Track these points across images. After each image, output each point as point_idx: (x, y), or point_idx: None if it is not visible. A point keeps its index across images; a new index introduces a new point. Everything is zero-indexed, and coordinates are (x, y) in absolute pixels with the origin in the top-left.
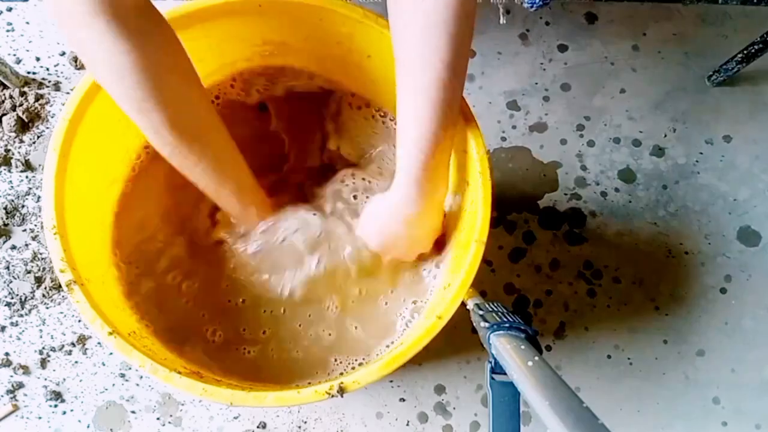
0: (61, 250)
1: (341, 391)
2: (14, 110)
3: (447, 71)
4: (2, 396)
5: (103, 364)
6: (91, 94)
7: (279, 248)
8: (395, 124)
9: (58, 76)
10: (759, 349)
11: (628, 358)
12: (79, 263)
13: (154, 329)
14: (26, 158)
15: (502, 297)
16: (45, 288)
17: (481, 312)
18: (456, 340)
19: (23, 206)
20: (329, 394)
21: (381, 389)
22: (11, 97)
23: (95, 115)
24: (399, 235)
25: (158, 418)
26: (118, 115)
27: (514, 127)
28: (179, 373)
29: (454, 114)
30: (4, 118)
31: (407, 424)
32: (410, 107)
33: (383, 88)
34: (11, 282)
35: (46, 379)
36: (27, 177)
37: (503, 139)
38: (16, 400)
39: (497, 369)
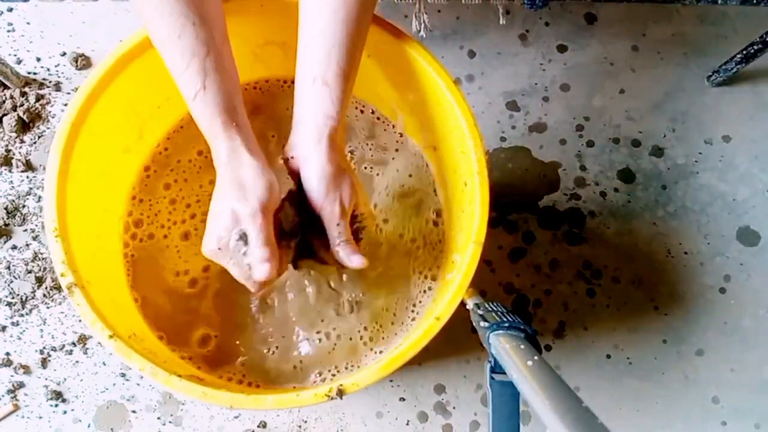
0: (62, 253)
1: (340, 393)
2: (15, 110)
3: None
4: (3, 396)
5: (104, 364)
6: (93, 97)
7: None
8: (394, 128)
9: (58, 77)
10: (758, 349)
11: (628, 358)
12: (80, 265)
13: (158, 327)
14: (27, 158)
15: (501, 297)
16: (46, 288)
17: (480, 312)
18: (456, 340)
19: (24, 206)
20: (328, 396)
21: (381, 389)
22: (12, 97)
23: (98, 117)
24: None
25: (159, 418)
26: (121, 117)
27: (513, 127)
28: (179, 376)
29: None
30: (5, 119)
31: (407, 424)
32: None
33: (380, 88)
34: (12, 282)
35: (46, 379)
36: (28, 177)
37: (503, 139)
38: (17, 400)
39: (497, 369)
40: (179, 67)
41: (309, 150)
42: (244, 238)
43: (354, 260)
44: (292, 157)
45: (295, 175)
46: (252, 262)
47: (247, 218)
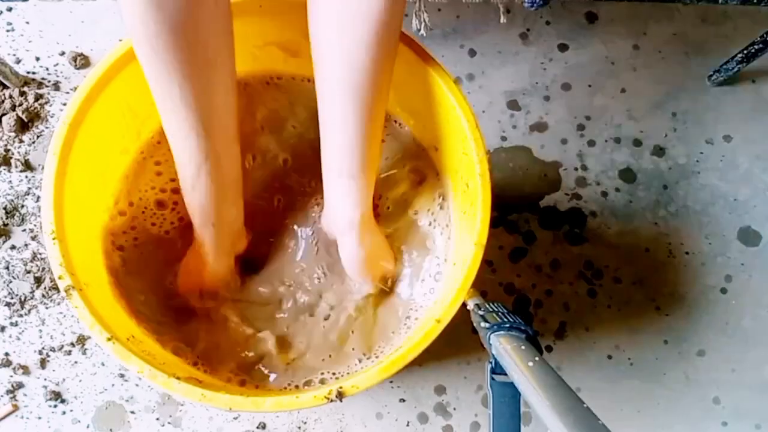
0: (59, 256)
1: (340, 395)
2: (14, 110)
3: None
4: (2, 396)
5: (103, 365)
6: (91, 97)
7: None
8: (399, 126)
9: (57, 76)
10: (759, 349)
11: (629, 359)
12: (78, 268)
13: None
14: (26, 158)
15: (502, 297)
16: (44, 288)
17: (481, 312)
18: (456, 341)
19: (23, 206)
20: (328, 399)
21: (381, 390)
22: (11, 96)
23: (96, 118)
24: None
25: (158, 419)
26: (119, 118)
27: (514, 126)
28: (178, 378)
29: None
30: (3, 118)
31: (407, 425)
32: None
33: None
34: (11, 282)
35: (45, 379)
36: (26, 177)
37: (504, 138)
38: (16, 400)
39: (498, 369)
40: (177, 159)
41: (341, 234)
42: None
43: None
44: (328, 232)
45: None
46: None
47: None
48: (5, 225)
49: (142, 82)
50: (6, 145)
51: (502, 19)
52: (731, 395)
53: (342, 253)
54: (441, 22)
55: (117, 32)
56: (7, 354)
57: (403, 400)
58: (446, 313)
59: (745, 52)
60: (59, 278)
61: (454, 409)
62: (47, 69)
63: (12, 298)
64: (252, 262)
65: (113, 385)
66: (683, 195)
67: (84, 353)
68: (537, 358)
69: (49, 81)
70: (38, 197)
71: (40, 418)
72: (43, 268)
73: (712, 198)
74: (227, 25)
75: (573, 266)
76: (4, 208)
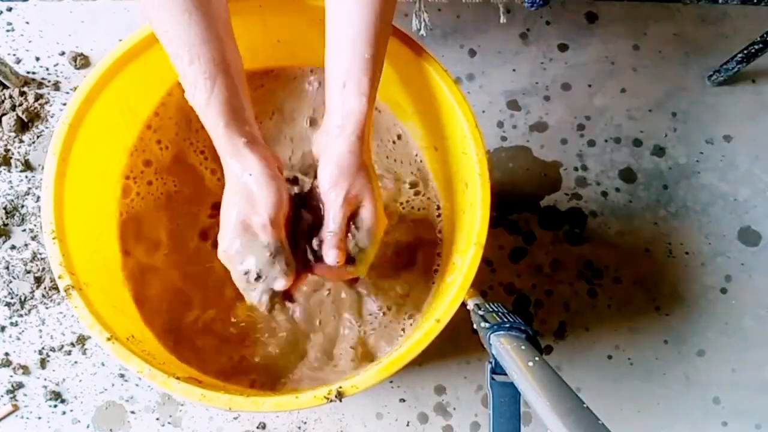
0: (59, 255)
1: (339, 395)
2: (14, 110)
3: None
4: (2, 396)
5: (103, 365)
6: (91, 97)
7: None
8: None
9: (57, 76)
10: (759, 349)
11: (629, 359)
12: (78, 267)
13: (157, 327)
14: (26, 158)
15: (502, 297)
16: (44, 288)
17: (481, 312)
18: (456, 341)
19: (23, 206)
20: (328, 399)
21: (381, 390)
22: (11, 96)
23: (96, 117)
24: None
25: (158, 419)
26: (119, 118)
27: (514, 126)
28: (177, 378)
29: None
30: (3, 118)
31: (407, 425)
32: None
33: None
34: (11, 282)
35: (45, 379)
36: (26, 177)
37: (503, 138)
38: (16, 400)
39: (498, 369)
40: (183, 62)
41: (332, 137)
42: (249, 274)
43: (330, 254)
44: (313, 151)
45: (314, 169)
46: (269, 275)
47: (258, 229)
48: (5, 225)
49: (142, 81)
50: (6, 145)
51: (502, 19)
52: (731, 395)
53: (324, 157)
54: (441, 22)
55: (117, 32)
56: (7, 354)
57: (403, 400)
58: (446, 313)
59: (745, 52)
60: (59, 278)
61: (454, 409)
62: (47, 69)
63: (12, 298)
64: None
65: (113, 385)
66: (683, 195)
67: (84, 353)
68: (537, 358)
69: (49, 81)
70: (38, 197)
71: (40, 418)
72: (43, 268)
73: (712, 198)
74: None
75: (573, 266)
76: (4, 208)
